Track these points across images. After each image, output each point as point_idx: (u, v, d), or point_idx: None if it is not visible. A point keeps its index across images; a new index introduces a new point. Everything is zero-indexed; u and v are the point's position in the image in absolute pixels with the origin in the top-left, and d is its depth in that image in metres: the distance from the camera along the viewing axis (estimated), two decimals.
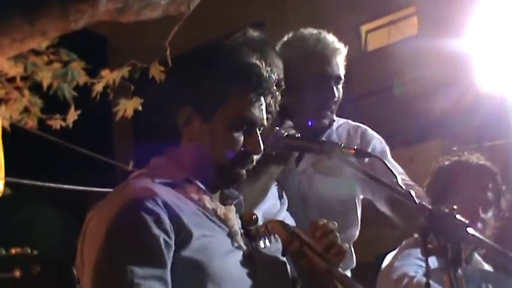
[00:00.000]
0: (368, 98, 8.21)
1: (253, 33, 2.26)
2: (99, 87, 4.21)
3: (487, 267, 2.52)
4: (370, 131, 2.54)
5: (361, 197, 2.49)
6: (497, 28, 5.11)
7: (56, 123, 4.22)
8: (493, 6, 5.09)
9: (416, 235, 2.55)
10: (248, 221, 1.69)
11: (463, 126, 6.89)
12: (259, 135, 1.68)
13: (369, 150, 2.36)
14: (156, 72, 4.22)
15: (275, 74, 2.12)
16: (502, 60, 5.18)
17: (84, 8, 3.49)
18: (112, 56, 10.31)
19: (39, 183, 3.58)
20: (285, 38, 2.48)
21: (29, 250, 0.85)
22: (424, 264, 2.17)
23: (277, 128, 1.95)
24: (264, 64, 1.73)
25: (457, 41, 5.84)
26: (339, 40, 2.47)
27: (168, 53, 3.90)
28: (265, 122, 1.69)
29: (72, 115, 4.22)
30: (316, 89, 2.37)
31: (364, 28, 9.50)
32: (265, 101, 1.67)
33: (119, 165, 4.48)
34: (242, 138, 1.66)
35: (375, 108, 7.90)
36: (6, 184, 3.62)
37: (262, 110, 1.67)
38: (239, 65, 1.66)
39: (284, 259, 1.68)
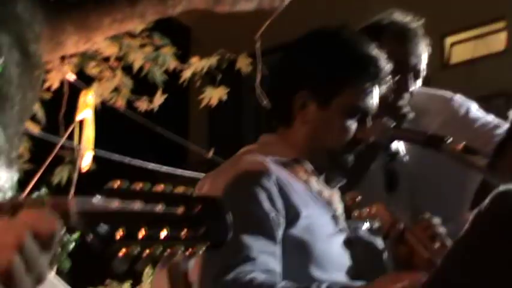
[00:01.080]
0: None
1: (399, 18, 2.19)
2: (188, 74, 4.30)
3: None
4: None
5: None
6: None
7: (143, 105, 4.33)
8: None
9: None
10: (351, 202, 1.72)
11: None
12: (370, 123, 1.71)
13: None
14: (244, 63, 4.29)
15: (415, 62, 2.07)
16: None
17: None
18: (194, 47, 10.48)
19: (128, 159, 3.69)
20: None
21: (192, 190, 0.92)
22: None
23: (386, 118, 1.97)
24: (409, 49, 1.72)
25: None
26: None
27: (258, 45, 3.96)
28: (376, 110, 1.72)
29: (159, 98, 4.31)
30: None
31: (449, 40, 9.37)
32: (379, 89, 1.71)
33: (199, 152, 4.57)
34: (355, 126, 1.69)
35: None
36: (95, 158, 3.76)
37: (375, 99, 1.71)
38: (359, 54, 1.70)
39: (382, 245, 1.70)
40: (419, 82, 2.22)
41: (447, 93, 2.35)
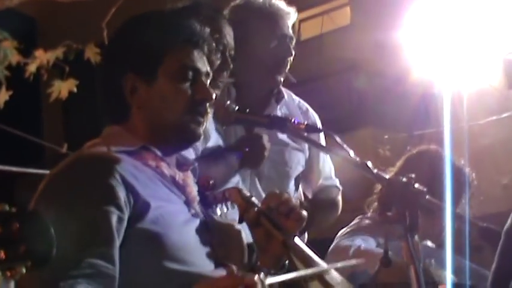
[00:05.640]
0: (301, 87, 8.29)
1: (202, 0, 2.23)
2: (32, 68, 4.11)
3: (430, 244, 2.61)
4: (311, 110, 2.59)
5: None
6: (428, 18, 5.25)
7: None
8: None
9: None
10: (205, 185, 1.69)
11: (393, 115, 7.06)
12: (206, 82, 1.68)
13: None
14: (92, 53, 4.16)
15: (226, 41, 2.15)
16: (432, 51, 5.33)
17: None
18: (41, 38, 10.07)
19: None
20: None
21: (8, 207, 0.84)
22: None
23: (228, 102, 1.97)
24: (212, 28, 1.75)
25: (388, 31, 5.97)
26: None
27: (105, 34, 3.84)
28: (210, 71, 1.70)
29: (4, 96, 4.10)
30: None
31: (297, 17, 9.58)
32: (204, 52, 1.67)
33: (53, 148, 4.40)
34: (188, 87, 1.65)
35: (308, 96, 7.99)
36: None
37: (203, 60, 1.67)
38: (169, 20, 1.68)
39: (239, 227, 1.69)
40: None
41: None
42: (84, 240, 1.45)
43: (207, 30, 1.69)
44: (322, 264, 1.57)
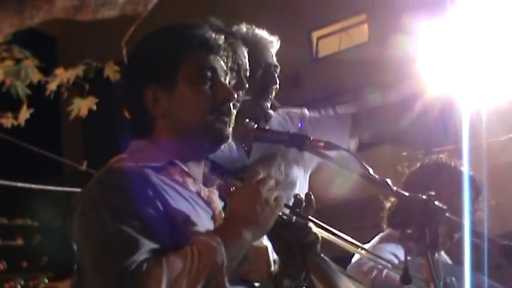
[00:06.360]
0: (319, 103, 8.31)
1: (216, 22, 2.28)
2: (53, 86, 4.16)
3: (449, 261, 2.60)
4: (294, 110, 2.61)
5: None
6: (446, 35, 5.24)
7: (8, 121, 4.15)
8: (442, 13, 5.22)
9: (388, 230, 2.60)
10: (228, 193, 1.69)
11: (412, 132, 7.05)
12: (225, 82, 1.69)
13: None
14: (111, 71, 4.21)
15: (240, 61, 2.17)
16: (451, 67, 5.32)
17: (40, 5, 3.46)
18: (61, 57, 10.20)
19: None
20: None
21: (30, 221, 0.88)
22: (394, 260, 2.22)
23: (247, 120, 1.98)
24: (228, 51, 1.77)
25: (406, 47, 5.97)
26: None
27: (124, 52, 3.89)
28: (228, 71, 1.71)
29: (24, 113, 4.15)
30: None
31: (315, 34, 9.62)
32: (220, 56, 1.70)
33: (72, 165, 4.44)
34: (208, 88, 1.67)
35: None
36: None
37: (220, 62, 1.70)
38: (183, 30, 1.71)
39: (266, 243, 1.69)
40: None
41: None
42: (152, 240, 1.48)
43: (222, 37, 1.72)
44: (344, 277, 1.57)
